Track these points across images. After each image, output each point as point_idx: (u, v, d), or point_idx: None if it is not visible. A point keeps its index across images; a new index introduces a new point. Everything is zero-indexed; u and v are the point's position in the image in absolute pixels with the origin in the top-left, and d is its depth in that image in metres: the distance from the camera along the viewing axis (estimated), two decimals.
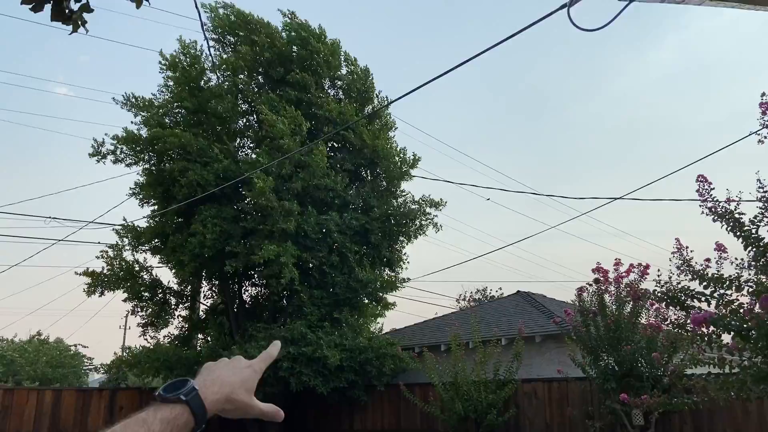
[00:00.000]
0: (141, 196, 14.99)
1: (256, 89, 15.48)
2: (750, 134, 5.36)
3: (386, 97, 15.91)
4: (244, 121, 16.08)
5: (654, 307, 8.83)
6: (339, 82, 16.07)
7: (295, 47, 15.16)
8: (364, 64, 15.74)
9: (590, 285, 9.89)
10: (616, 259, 9.72)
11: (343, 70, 15.86)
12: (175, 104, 14.95)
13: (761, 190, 5.10)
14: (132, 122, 15.12)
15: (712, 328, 4.73)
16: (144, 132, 14.48)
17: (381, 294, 15.09)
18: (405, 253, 15.68)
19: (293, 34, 15.06)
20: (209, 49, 15.69)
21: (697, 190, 5.36)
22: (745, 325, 4.60)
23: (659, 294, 5.44)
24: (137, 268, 15.20)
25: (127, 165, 14.72)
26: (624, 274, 9.57)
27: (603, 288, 9.72)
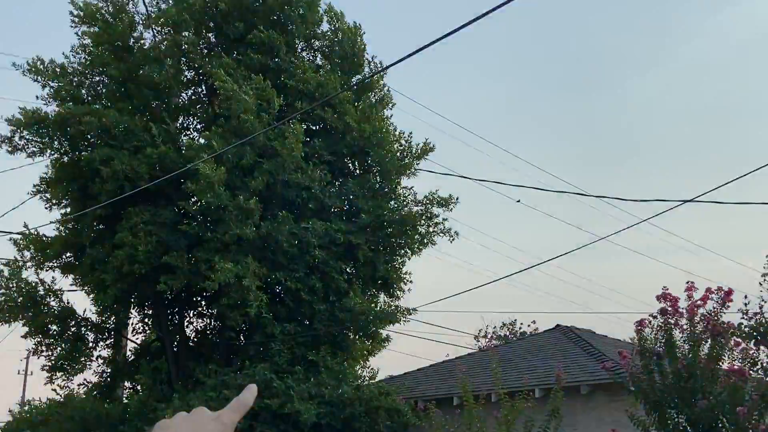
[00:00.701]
0: (48, 195, 15.05)
1: (206, 51, 15.57)
2: None
3: (380, 63, 16.01)
4: (190, 93, 16.25)
5: (740, 347, 8.86)
6: (318, 43, 16.24)
7: None
8: (353, 20, 15.90)
9: (654, 317, 9.90)
10: (688, 283, 9.74)
11: (324, 27, 16.02)
12: (95, 71, 14.95)
13: None
14: (38, 97, 15.10)
15: None
16: (53, 109, 14.56)
17: (375, 328, 15.28)
18: (407, 273, 15.82)
19: None
20: None
21: None
22: None
23: (746, 329, 5.47)
24: (42, 292, 15.16)
25: (30, 155, 14.73)
26: (699, 302, 9.59)
27: (671, 321, 9.74)
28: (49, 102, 14.69)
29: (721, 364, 9.46)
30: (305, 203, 14.58)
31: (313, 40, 16.25)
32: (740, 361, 8.87)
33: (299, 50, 16.10)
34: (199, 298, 15.66)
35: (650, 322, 9.95)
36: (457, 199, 15.51)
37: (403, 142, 15.50)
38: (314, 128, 15.78)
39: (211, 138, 13.56)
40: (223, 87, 13.59)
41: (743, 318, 5.70)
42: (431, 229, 15.53)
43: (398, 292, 15.65)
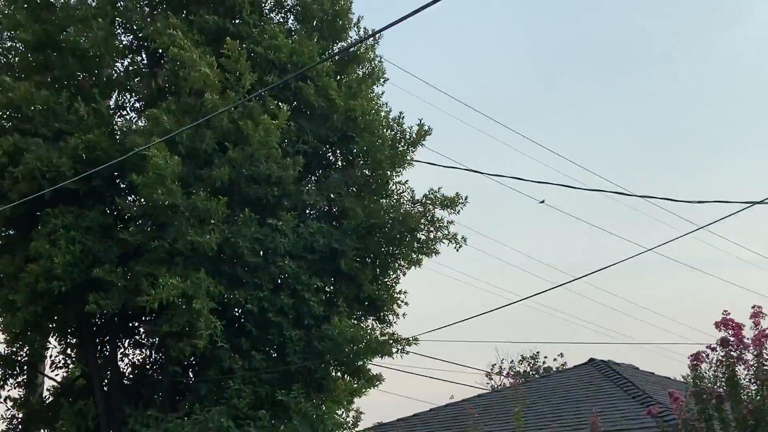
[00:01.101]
0: None
1: (148, 11, 15.54)
2: None
3: (368, 30, 16.14)
4: (127, 64, 16.15)
5: None
6: (291, 1, 16.28)
7: None
8: None
9: (712, 349, 9.90)
10: (755, 308, 9.73)
11: None
12: (6, 34, 14.91)
13: None
14: None
15: None
16: None
17: (363, 362, 15.28)
18: (401, 291, 15.81)
19: None
20: None
21: None
22: None
23: None
24: None
25: None
26: None
27: (734, 354, 9.74)
28: None
29: None
30: (276, 201, 14.59)
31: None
32: None
33: (266, 10, 16.15)
34: (137, 324, 15.54)
35: (708, 355, 9.94)
36: (465, 198, 15.57)
37: (396, 126, 15.62)
38: (287, 107, 15.52)
39: (159, 117, 13.44)
40: (177, 55, 13.58)
41: None
42: (433, 235, 15.60)
43: (390, 316, 15.69)
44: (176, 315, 13.00)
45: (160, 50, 14.83)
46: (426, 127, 15.66)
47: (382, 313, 15.61)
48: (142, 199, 13.81)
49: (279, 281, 14.43)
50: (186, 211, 13.26)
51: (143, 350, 16.08)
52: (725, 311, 9.84)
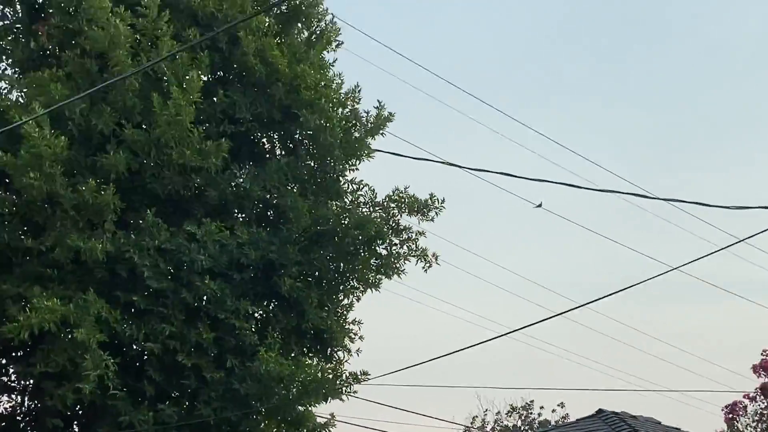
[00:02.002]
0: None
1: None
2: None
3: None
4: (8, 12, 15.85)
5: None
6: None
7: None
8: None
9: (752, 398, 9.92)
10: None
11: None
12: None
13: None
14: None
15: None
16: None
17: (302, 407, 15.14)
18: (354, 321, 15.77)
19: None
20: None
21: None
22: None
23: None
24: None
25: None
26: None
27: None
28: None
29: None
30: (193, 198, 14.51)
31: None
32: None
33: None
34: (4, 361, 15.22)
35: (746, 406, 9.96)
36: (441, 201, 15.48)
37: (350, 103, 15.62)
38: (215, 78, 15.73)
39: (44, 83, 13.27)
40: (91, 5, 13.53)
41: None
42: (398, 250, 15.57)
43: (341, 352, 15.55)
44: (55, 349, 12.77)
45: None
46: (386, 113, 15.56)
47: (329, 349, 15.50)
48: (18, 192, 13.56)
49: (195, 308, 14.19)
50: (70, 208, 13.03)
51: (13, 396, 15.60)
52: (765, 351, 9.82)
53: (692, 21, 50.20)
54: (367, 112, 15.55)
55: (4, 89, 15.16)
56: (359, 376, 15.14)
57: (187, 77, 13.87)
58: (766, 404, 8.79)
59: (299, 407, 15.03)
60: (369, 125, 15.55)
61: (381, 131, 15.65)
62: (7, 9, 15.72)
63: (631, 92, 52.08)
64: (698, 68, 50.76)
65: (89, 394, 12.74)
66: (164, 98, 13.68)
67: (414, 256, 15.63)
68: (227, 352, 14.24)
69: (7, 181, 13.90)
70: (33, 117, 12.61)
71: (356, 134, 15.47)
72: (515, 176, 14.13)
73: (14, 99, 14.45)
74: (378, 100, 15.60)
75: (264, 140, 16.09)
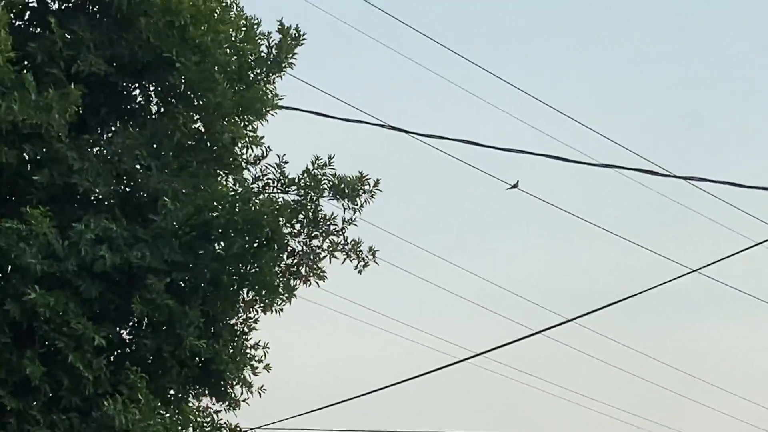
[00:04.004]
0: None
1: None
2: None
3: None
4: None
5: None
6: None
7: None
8: None
9: None
10: None
11: None
12: None
13: None
14: None
15: None
16: None
17: None
18: (260, 345, 12.49)
19: None
20: None
21: None
22: None
23: None
24: None
25: None
26: None
27: None
28: None
29: None
30: (24, 175, 11.33)
31: None
32: None
33: None
34: None
35: None
36: (376, 182, 12.00)
37: (250, 43, 12.02)
38: (61, 5, 12.30)
39: None
40: None
41: None
42: (317, 243, 12.19)
43: (238, 390, 12.16)
44: None
45: None
46: (294, 32, 11.88)
47: (221, 385, 12.03)
48: None
49: (25, 328, 10.94)
50: None
51: None
52: None
53: None
54: (268, 35, 12.07)
55: None
56: None
57: None
58: None
59: None
60: (270, 58, 12.08)
61: (288, 63, 12.13)
62: None
63: (644, 53, 47.88)
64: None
65: None
66: None
67: (341, 252, 12.19)
68: (66, 396, 11.01)
69: None
70: None
71: (257, 79, 12.09)
72: (483, 145, 11.61)
73: None
74: (279, 21, 12.00)
75: (132, 91, 12.52)
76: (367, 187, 12.15)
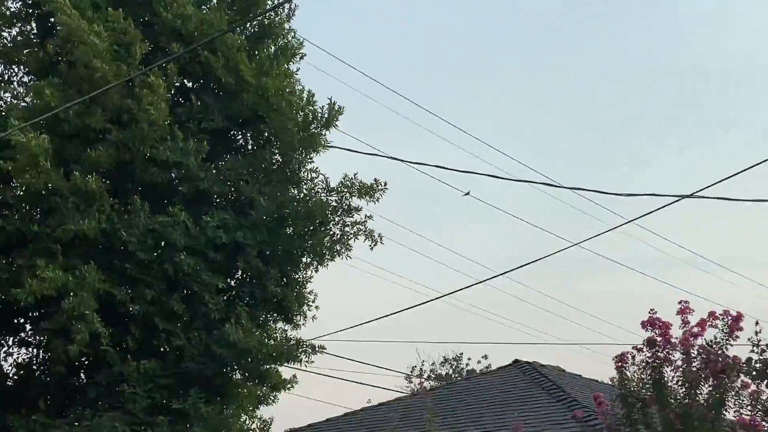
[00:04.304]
0: None
1: None
2: None
3: None
4: (16, 33, 15.80)
5: (749, 389, 8.99)
6: None
7: None
8: None
9: (639, 350, 9.98)
10: (681, 303, 9.83)
11: None
12: None
13: None
14: None
15: None
16: None
17: (269, 367, 15.12)
18: (311, 292, 15.71)
19: None
20: None
21: None
22: None
23: (757, 366, 5.50)
24: None
25: None
26: (696, 329, 9.69)
27: (662, 356, 9.83)
28: None
29: (725, 412, 9.59)
30: (174, 187, 14.36)
31: None
32: (750, 408, 8.93)
33: None
34: (21, 320, 15.15)
35: (634, 356, 10.01)
36: (384, 184, 15.42)
37: (308, 106, 15.42)
38: (194, 84, 15.64)
39: (42, 89, 13.10)
40: (65, 22, 13.24)
41: (753, 350, 5.74)
42: (347, 229, 15.52)
43: (299, 318, 15.49)
44: (57, 312, 12.72)
45: (51, 17, 14.43)
46: (337, 106, 15.39)
47: (290, 314, 15.39)
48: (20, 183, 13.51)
49: (176, 279, 14.16)
50: (69, 195, 12.95)
51: (29, 349, 15.59)
52: (652, 310, 9.91)
53: (614, 26, 50.40)
54: (322, 107, 15.37)
55: (20, 94, 15.05)
56: (316, 349, 15.14)
57: (150, 80, 13.60)
58: (650, 354, 8.89)
59: (264, 366, 14.94)
60: (323, 119, 15.33)
61: (334, 124, 15.43)
62: (26, 26, 15.67)
63: (548, 94, 52.34)
64: (609, 74, 50.97)
65: (75, 350, 12.81)
66: (137, 101, 13.56)
67: (362, 235, 15.53)
68: (198, 320, 14.24)
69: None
70: (27, 123, 12.52)
71: (313, 130, 15.27)
72: (446, 168, 14.35)
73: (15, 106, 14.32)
74: (329, 98, 15.47)
75: (238, 137, 15.99)
76: (380, 187, 15.25)
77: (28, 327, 15.34)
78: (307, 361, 15.08)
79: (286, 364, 15.13)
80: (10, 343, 15.55)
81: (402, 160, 14.90)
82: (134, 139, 13.67)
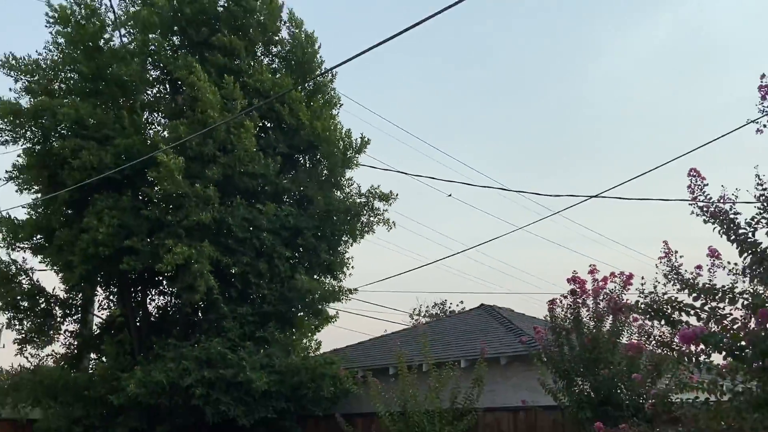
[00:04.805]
0: (20, 180, 14.31)
1: (171, 53, 15.07)
2: (748, 122, 5.49)
3: (326, 69, 15.94)
4: (155, 91, 15.72)
5: (637, 322, 9.02)
6: (276, 49, 15.93)
7: (222, 2, 14.96)
8: (312, 28, 15.69)
9: (564, 297, 10.03)
10: (591, 266, 9.88)
11: (284, 33, 15.79)
12: (67, 68, 14.35)
13: (760, 187, 5.20)
14: (11, 89, 14.58)
15: (702, 346, 4.78)
16: (26, 102, 13.93)
17: (320, 306, 15.03)
18: (349, 258, 15.63)
19: None
20: (110, 0, 15.21)
21: (689, 186, 5.45)
22: (739, 344, 4.68)
23: (642, 306, 5.50)
24: (13, 271, 14.61)
25: (3, 143, 14.06)
26: (602, 283, 9.73)
27: (579, 301, 9.88)
28: (21, 95, 14.06)
29: (621, 338, 9.65)
30: (261, 190, 14.28)
31: (271, 46, 15.93)
32: (637, 335, 9.00)
33: (258, 54, 15.75)
34: (160, 278, 15.12)
35: (561, 301, 10.08)
36: (396, 195, 15.30)
37: (345, 138, 15.24)
38: (270, 125, 15.47)
39: (178, 127, 13.19)
40: (193, 82, 13.24)
41: (640, 297, 5.81)
42: (372, 219, 15.40)
43: (341, 276, 15.43)
44: (185, 275, 12.80)
45: (179, 81, 14.45)
46: (366, 138, 15.42)
47: (335, 273, 15.35)
48: (160, 188, 13.46)
49: (261, 250, 14.13)
50: (193, 197, 12.99)
51: (165, 297, 15.69)
52: (574, 271, 9.99)
53: (541, 84, 50.26)
54: (356, 140, 15.32)
55: (159, 131, 15.09)
56: (351, 291, 15.10)
57: (245, 122, 13.72)
58: (572, 300, 8.92)
59: (318, 305, 14.90)
60: (356, 147, 15.29)
61: (364, 150, 15.41)
62: (162, 86, 15.68)
63: (504, 129, 52.28)
64: (552, 116, 50.87)
65: (198, 299, 13.08)
66: (236, 136, 13.61)
67: (381, 222, 15.44)
68: (275, 277, 14.27)
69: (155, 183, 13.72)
70: (162, 149, 12.57)
71: (349, 154, 15.25)
72: (436, 178, 15.25)
73: (160, 136, 14.30)
74: (361, 133, 15.57)
75: (300, 158, 15.89)
76: (393, 195, 15.26)
77: (164, 283, 15.35)
78: (345, 301, 15.00)
79: (331, 304, 15.03)
80: (153, 293, 15.66)
81: (406, 173, 15.50)
82: (234, 161, 13.71)
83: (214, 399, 12.45)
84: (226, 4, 14.87)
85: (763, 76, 5.20)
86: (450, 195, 16.65)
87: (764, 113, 5.23)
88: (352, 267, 15.53)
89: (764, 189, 5.14)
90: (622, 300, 9.42)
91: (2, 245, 14.38)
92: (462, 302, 35.48)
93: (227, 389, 12.59)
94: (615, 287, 9.64)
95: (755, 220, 5.09)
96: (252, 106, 14.04)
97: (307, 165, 15.69)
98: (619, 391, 9.41)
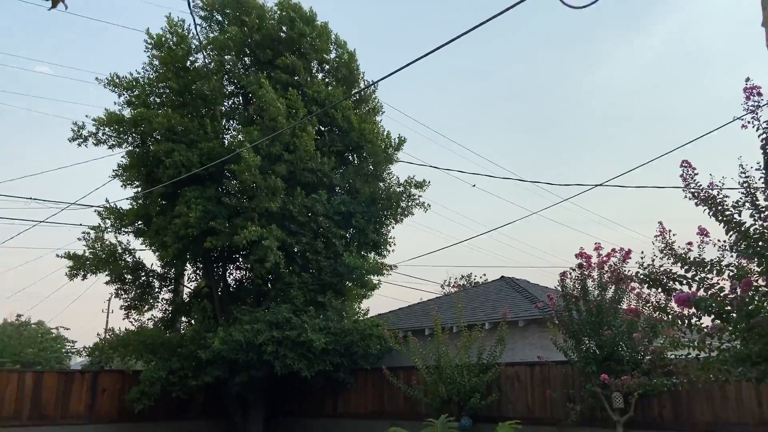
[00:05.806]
0: (124, 177, 14.70)
1: (243, 71, 15.25)
2: (734, 119, 5.39)
3: (370, 81, 15.95)
4: (230, 102, 15.87)
5: (635, 291, 8.94)
6: (326, 66, 15.94)
7: (284, 27, 15.02)
8: (353, 47, 15.73)
9: (573, 270, 9.99)
10: (596, 244, 9.81)
11: (332, 54, 15.74)
12: (160, 84, 14.64)
13: (743, 175, 5.15)
14: (115, 103, 15.02)
15: (692, 310, 4.79)
16: (128, 113, 14.24)
17: (367, 278, 15.08)
18: (392, 237, 15.62)
19: (284, 14, 14.95)
20: (196, 28, 15.39)
21: (681, 176, 5.44)
22: (725, 308, 4.67)
23: (641, 276, 5.49)
24: (120, 251, 15.04)
25: (110, 147, 14.41)
26: (605, 258, 9.65)
27: (586, 273, 9.82)
28: (123, 107, 14.46)
29: (621, 305, 9.57)
30: (318, 182, 14.38)
31: (323, 63, 15.94)
32: (636, 301, 8.94)
33: (313, 71, 15.79)
34: (236, 255, 15.42)
35: (570, 273, 10.03)
36: (429, 182, 15.37)
37: (387, 139, 15.23)
38: (325, 128, 15.53)
39: (252, 132, 13.38)
40: (263, 95, 13.34)
41: (639, 269, 5.76)
42: (410, 204, 15.38)
43: (385, 252, 15.45)
44: (257, 250, 12.95)
45: (250, 94, 14.63)
46: (402, 138, 15.43)
47: (380, 250, 15.38)
48: (238, 181, 13.59)
49: (318, 232, 14.26)
50: (264, 188, 13.15)
51: (241, 271, 15.92)
52: (581, 248, 9.93)
53: (558, 89, 49.44)
54: (395, 139, 15.32)
55: (235, 135, 15.20)
56: (392, 267, 15.11)
57: (307, 127, 13.81)
58: (579, 272, 8.83)
59: (365, 278, 14.89)
60: (395, 146, 15.30)
61: (401, 148, 15.43)
62: (237, 99, 15.81)
63: (521, 127, 51.65)
64: (563, 115, 50.08)
65: (269, 269, 13.09)
66: (299, 139, 13.68)
67: (418, 206, 15.42)
68: (330, 253, 14.29)
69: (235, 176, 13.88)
70: (241, 149, 12.74)
71: (390, 152, 15.25)
72: (464, 171, 15.11)
73: (238, 139, 14.40)
74: (399, 134, 16.07)
75: (349, 156, 15.88)
76: (425, 183, 15.26)
77: (240, 260, 15.59)
78: (387, 273, 14.94)
79: (376, 276, 15.00)
80: (231, 268, 15.89)
81: (438, 167, 15.58)
82: (297, 159, 13.82)
83: (281, 355, 12.69)
84: (286, 30, 14.97)
85: (747, 79, 5.11)
86: (474, 185, 17.20)
87: (748, 111, 5.14)
88: (395, 245, 15.53)
89: (747, 177, 5.09)
90: (623, 271, 9.32)
91: (110, 230, 14.80)
92: (485, 275, 35.56)
93: (292, 347, 12.81)
94: (616, 260, 9.54)
95: (740, 203, 5.05)
96: (311, 113, 14.16)
97: (356, 161, 15.71)
98: (620, 348, 9.36)
